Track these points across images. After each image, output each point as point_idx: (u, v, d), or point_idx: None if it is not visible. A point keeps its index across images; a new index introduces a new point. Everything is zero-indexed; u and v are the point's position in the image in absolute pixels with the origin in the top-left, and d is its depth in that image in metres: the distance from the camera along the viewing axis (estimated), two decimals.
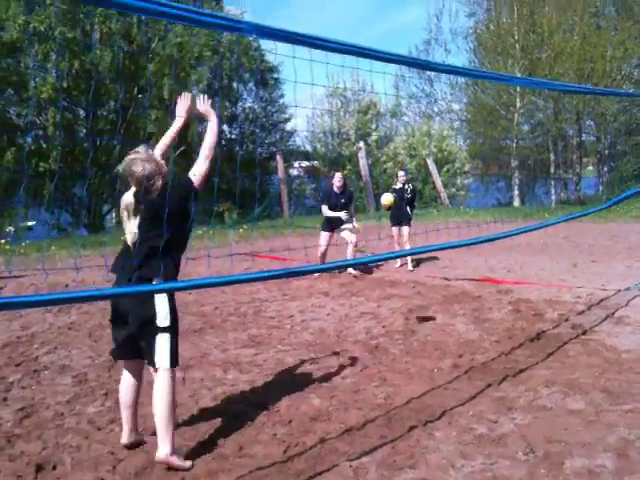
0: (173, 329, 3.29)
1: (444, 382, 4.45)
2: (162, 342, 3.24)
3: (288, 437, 3.63)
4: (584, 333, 5.60)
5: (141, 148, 3.33)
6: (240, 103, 24.66)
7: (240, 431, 3.72)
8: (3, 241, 11.99)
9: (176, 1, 2.64)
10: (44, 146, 18.50)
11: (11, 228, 14.56)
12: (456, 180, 25.24)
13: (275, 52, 3.08)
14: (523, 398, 4.09)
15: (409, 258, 9.57)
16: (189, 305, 7.16)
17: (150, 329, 3.23)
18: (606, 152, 30.09)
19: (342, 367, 4.88)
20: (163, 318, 3.24)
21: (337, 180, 9.26)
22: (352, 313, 6.78)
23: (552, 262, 9.73)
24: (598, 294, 7.17)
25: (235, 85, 24.18)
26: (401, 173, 9.94)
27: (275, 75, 24.47)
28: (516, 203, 26.49)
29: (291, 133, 25.54)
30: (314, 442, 3.54)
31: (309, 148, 26.37)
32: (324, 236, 9.31)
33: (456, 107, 30.18)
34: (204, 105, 3.61)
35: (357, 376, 4.66)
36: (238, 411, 4.03)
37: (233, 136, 25.20)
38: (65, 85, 18.05)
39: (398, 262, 9.82)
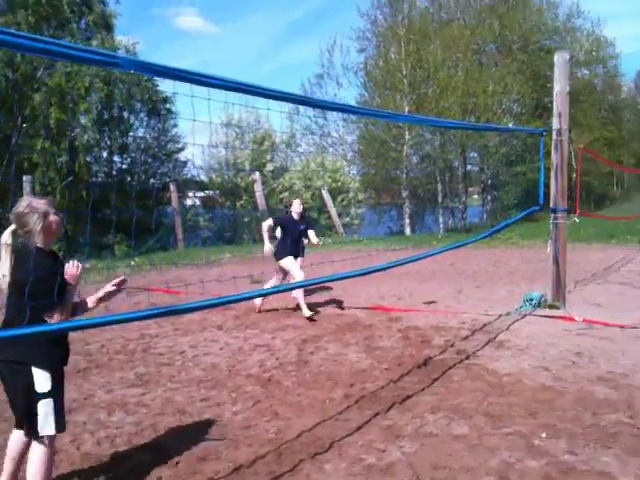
0: (55, 392, 3.01)
1: (335, 413, 4.49)
2: (43, 409, 2.96)
3: None
4: (468, 358, 5.85)
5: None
6: (131, 133, 24.09)
7: (124, 476, 3.56)
8: None
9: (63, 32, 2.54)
10: None
11: None
12: (350, 210, 25.82)
13: (174, 91, 3.03)
14: (410, 425, 4.20)
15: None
16: (73, 343, 6.75)
17: (27, 395, 2.95)
18: (489, 182, 31.94)
19: (233, 403, 4.80)
20: (42, 382, 2.95)
21: (297, 206, 8.64)
22: (246, 346, 6.70)
23: (439, 289, 10.13)
24: (481, 319, 7.53)
25: (126, 115, 23.60)
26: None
27: (168, 105, 24.14)
28: (407, 231, 27.41)
29: (185, 162, 25.22)
30: None
31: (204, 178, 26.13)
32: (293, 262, 8.30)
33: (349, 139, 31.04)
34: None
35: (248, 411, 4.60)
36: (122, 455, 3.86)
37: (124, 166, 24.53)
38: None
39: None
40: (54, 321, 2.93)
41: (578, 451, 3.71)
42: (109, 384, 5.40)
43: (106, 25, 21.37)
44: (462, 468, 3.54)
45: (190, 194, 25.32)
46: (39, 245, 2.98)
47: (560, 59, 7.84)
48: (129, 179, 24.10)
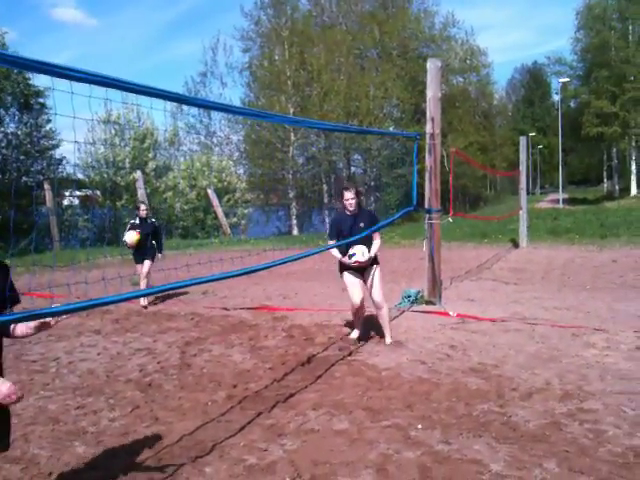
0: None
1: (217, 415, 4.44)
2: None
3: None
4: (350, 354, 6.00)
5: None
6: (2, 128, 22.46)
7: None
8: None
9: None
10: None
11: None
12: (237, 210, 25.67)
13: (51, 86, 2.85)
14: (293, 423, 4.24)
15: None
16: None
17: None
18: (372, 183, 32.93)
19: (111, 409, 4.63)
20: None
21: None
22: (125, 350, 6.48)
23: (324, 287, 10.30)
24: None
25: None
26: (142, 207, 9.33)
27: (41, 100, 22.73)
28: (295, 232, 27.68)
29: (60, 160, 23.85)
30: None
31: (82, 177, 24.90)
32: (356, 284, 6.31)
33: (234, 139, 30.86)
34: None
35: (127, 417, 4.45)
36: None
37: None
38: None
39: (144, 301, 8.95)
40: None
41: (452, 440, 3.90)
42: None
43: None
44: (342, 462, 3.62)
45: (67, 193, 24.07)
46: None
47: (432, 66, 8.22)
48: (0, 177, 22.49)
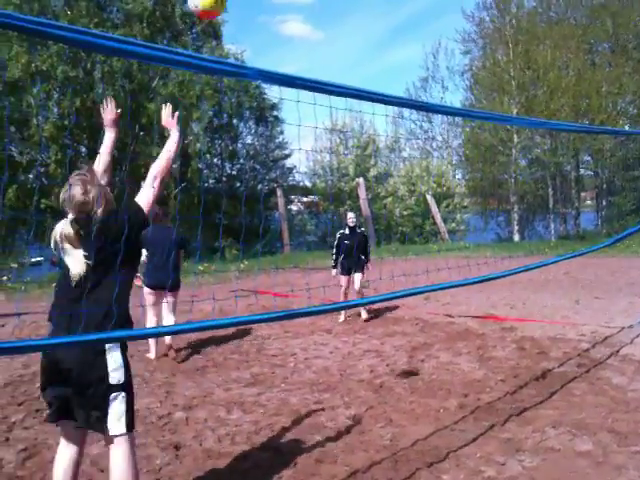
0: (129, 386, 2.75)
1: (450, 422, 4.41)
2: (116, 403, 2.67)
3: None
4: (589, 372, 5.57)
5: (83, 169, 2.87)
6: (240, 140, 24.92)
7: (245, 474, 3.67)
8: (5, 278, 11.97)
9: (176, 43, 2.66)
10: (46, 183, 18.62)
11: (14, 265, 14.55)
12: (455, 215, 25.36)
13: (280, 96, 3.10)
14: (530, 439, 4.05)
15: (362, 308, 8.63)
16: (191, 342, 7.14)
17: (100, 389, 2.65)
18: (604, 187, 30.29)
19: (347, 407, 4.84)
20: (116, 374, 2.68)
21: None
22: (355, 351, 6.74)
23: (554, 298, 9.71)
24: (602, 331, 7.14)
25: (235, 122, 24.44)
26: (350, 215, 8.87)
27: (275, 113, 24.75)
28: (516, 238, 26.53)
29: (291, 169, 25.76)
30: None
31: (308, 184, 26.58)
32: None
33: (454, 143, 30.51)
34: (167, 117, 3.15)
35: (362, 416, 4.62)
36: (242, 453, 3.99)
37: (234, 172, 25.40)
38: (67, 123, 18.26)
39: (342, 316, 8.57)
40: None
41: None
42: (226, 383, 5.61)
43: (214, 34, 22.23)
44: None
45: (295, 199, 25.84)
46: None
47: None
48: (238, 184, 24.94)
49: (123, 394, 2.70)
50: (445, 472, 3.61)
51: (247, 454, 3.96)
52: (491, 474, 3.56)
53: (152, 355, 6.43)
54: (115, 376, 2.68)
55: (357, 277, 8.62)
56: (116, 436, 2.69)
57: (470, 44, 30.43)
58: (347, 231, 8.70)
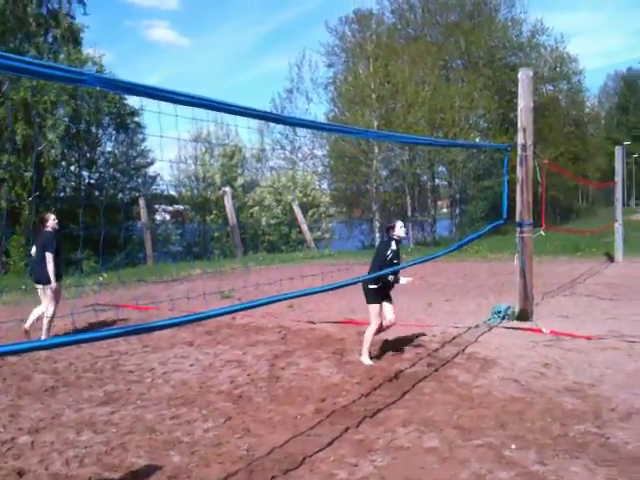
0: None
1: (306, 428, 4.48)
2: None
3: None
4: (438, 370, 5.90)
5: None
6: (100, 148, 23.81)
7: None
8: None
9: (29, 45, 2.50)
10: None
11: None
12: (321, 224, 25.89)
13: (140, 103, 3.01)
14: (382, 439, 4.21)
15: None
16: (40, 362, 6.69)
17: None
18: (457, 196, 32.37)
19: (204, 420, 4.76)
20: None
21: (52, 222, 7.82)
22: (217, 362, 6.65)
23: (410, 302, 10.19)
24: (451, 332, 7.60)
25: (94, 129, 23.32)
26: (400, 224, 6.78)
27: (136, 119, 23.92)
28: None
29: (154, 177, 25.01)
30: None
31: (174, 193, 25.97)
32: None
33: (319, 153, 31.17)
34: None
35: (219, 428, 4.56)
36: (91, 475, 3.79)
37: (92, 181, 24.22)
38: None
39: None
40: None
41: (547, 462, 3.76)
42: (77, 403, 5.31)
43: (74, 39, 21.16)
44: None
45: (159, 208, 25.13)
46: None
47: (524, 76, 8.03)
48: (97, 194, 23.80)
49: None
50: (299, 478, 3.66)
51: (96, 476, 3.77)
52: (343, 476, 3.66)
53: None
54: None
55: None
56: None
57: (333, 57, 31.36)
58: (394, 246, 6.61)
